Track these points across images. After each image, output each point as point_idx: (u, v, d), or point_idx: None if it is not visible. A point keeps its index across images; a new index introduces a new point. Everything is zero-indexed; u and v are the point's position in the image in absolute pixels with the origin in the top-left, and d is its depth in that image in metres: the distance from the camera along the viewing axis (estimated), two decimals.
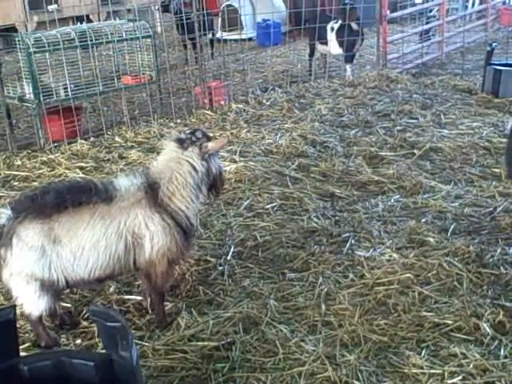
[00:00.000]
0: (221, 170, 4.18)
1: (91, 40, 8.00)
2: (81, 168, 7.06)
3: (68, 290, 4.26)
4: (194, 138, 3.94)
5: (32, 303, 3.72)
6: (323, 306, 4.18)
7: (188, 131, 4.04)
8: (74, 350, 3.72)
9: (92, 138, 8.09)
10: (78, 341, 3.96)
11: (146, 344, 3.86)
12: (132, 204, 3.79)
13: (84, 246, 3.65)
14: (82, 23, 9.06)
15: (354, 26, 10.86)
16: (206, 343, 3.82)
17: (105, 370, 2.70)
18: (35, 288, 3.67)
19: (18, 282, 3.69)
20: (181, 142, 3.94)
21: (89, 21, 12.94)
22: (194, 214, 4.02)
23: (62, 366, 2.73)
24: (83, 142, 7.92)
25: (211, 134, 7.53)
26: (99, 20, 14.53)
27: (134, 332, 3.98)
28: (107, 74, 8.52)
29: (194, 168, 3.91)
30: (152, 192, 3.86)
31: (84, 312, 4.24)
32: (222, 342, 3.83)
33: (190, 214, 3.94)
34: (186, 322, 4.06)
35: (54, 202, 3.65)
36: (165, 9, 13.45)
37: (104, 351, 2.86)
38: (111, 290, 4.49)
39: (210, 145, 3.96)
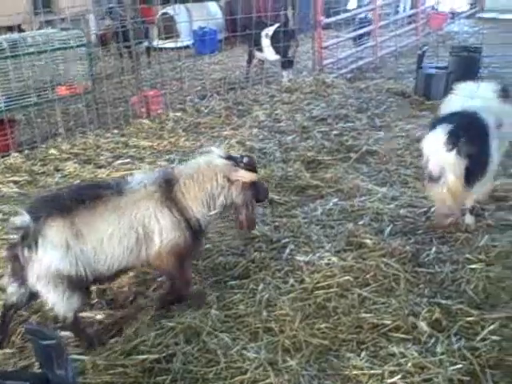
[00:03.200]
0: (247, 204, 4.23)
1: (23, 50, 7.81)
2: (15, 182, 6.90)
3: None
4: (238, 160, 4.13)
5: (64, 304, 3.72)
6: (264, 313, 4.20)
7: (242, 154, 4.34)
8: (8, 371, 3.62)
9: (26, 151, 7.90)
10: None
11: (86, 358, 3.78)
12: (143, 197, 3.89)
13: (102, 238, 3.72)
14: (13, 33, 8.84)
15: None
16: (146, 356, 3.78)
17: None
18: (64, 287, 3.67)
19: (45, 284, 3.66)
20: (225, 155, 4.16)
21: (21, 30, 12.63)
22: (203, 219, 4.11)
23: None
24: (17, 155, 7.74)
25: (150, 144, 7.53)
26: (32, 30, 14.19)
27: (74, 348, 3.90)
28: (41, 85, 8.32)
29: (216, 176, 4.06)
30: (166, 186, 3.98)
31: (19, 331, 4.12)
32: (163, 355, 3.79)
33: (199, 216, 4.06)
34: (127, 335, 4.00)
35: (70, 198, 3.74)
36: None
37: (40, 370, 2.79)
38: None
39: (241, 172, 4.09)
